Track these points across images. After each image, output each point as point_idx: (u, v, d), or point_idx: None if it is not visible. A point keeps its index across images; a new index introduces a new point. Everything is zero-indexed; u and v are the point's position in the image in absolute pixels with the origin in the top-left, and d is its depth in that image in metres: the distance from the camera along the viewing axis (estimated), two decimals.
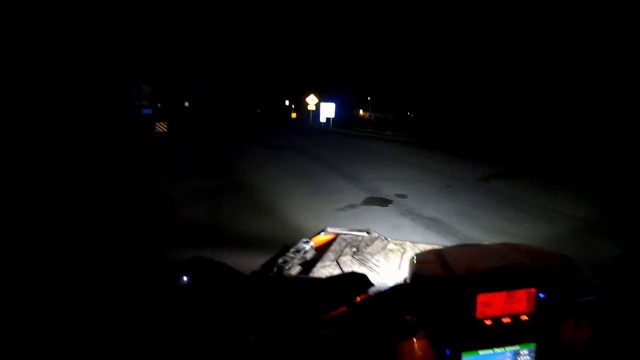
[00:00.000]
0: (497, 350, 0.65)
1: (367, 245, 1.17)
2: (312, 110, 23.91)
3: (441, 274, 0.66)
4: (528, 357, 0.66)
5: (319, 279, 0.88)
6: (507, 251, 0.75)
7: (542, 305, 0.65)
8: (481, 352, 0.65)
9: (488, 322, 0.64)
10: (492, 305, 0.64)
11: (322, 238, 1.28)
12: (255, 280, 0.79)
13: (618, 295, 0.71)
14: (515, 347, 0.66)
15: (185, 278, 0.64)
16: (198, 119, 28.17)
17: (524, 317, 0.65)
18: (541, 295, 0.65)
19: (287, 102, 33.70)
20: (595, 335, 0.69)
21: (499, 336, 0.65)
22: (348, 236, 1.24)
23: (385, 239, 1.25)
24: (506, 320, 0.65)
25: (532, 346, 0.66)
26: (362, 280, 0.70)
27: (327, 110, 22.89)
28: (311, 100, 24.11)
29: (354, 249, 1.15)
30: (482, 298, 0.63)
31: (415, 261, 0.71)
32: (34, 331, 0.60)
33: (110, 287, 0.70)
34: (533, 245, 0.81)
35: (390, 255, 1.11)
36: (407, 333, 0.66)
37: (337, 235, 1.25)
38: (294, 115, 30.35)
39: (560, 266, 0.71)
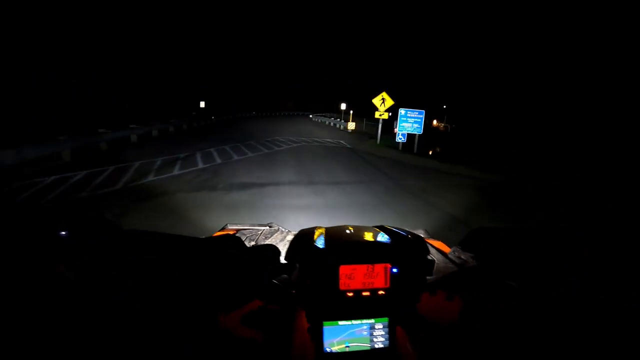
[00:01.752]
0: (355, 322, 0.70)
1: (267, 237, 1.19)
2: (383, 118, 14.16)
3: (311, 251, 0.72)
4: (382, 331, 0.71)
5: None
6: (374, 231, 0.81)
7: (396, 281, 0.71)
8: (340, 323, 0.70)
9: (350, 294, 0.70)
10: (354, 278, 0.70)
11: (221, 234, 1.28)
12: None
13: (471, 271, 0.76)
14: (371, 320, 0.71)
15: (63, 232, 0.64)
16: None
17: (381, 292, 0.71)
18: (395, 270, 0.71)
19: (343, 106, 24.40)
20: (466, 310, 0.74)
21: (358, 309, 0.71)
22: (248, 231, 1.25)
23: (286, 230, 1.29)
24: (366, 294, 0.71)
25: (385, 320, 0.71)
26: (274, 251, 0.74)
27: (410, 122, 13.34)
28: (380, 103, 13.86)
29: (252, 243, 1.15)
30: (344, 270, 0.70)
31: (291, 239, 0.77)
32: (36, 332, 0.56)
33: (113, 286, 0.63)
34: (401, 228, 0.84)
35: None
36: (290, 305, 0.71)
37: (237, 230, 1.25)
38: (351, 125, 21.15)
39: (414, 246, 0.76)
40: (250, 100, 48.40)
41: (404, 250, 0.74)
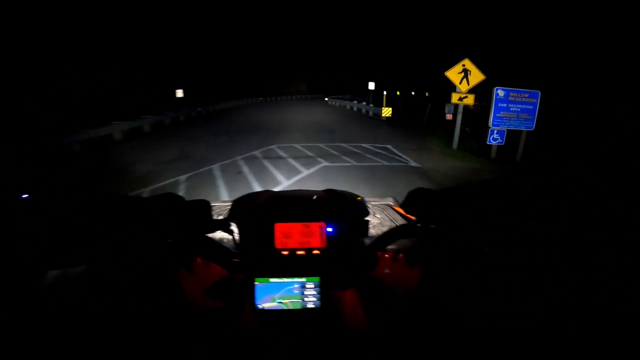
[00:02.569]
0: (287, 280, 0.71)
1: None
2: (469, 105, 8.08)
3: (249, 208, 0.75)
4: (313, 291, 0.71)
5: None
6: (316, 192, 0.81)
7: (332, 242, 0.72)
8: (272, 280, 0.70)
9: (285, 252, 0.72)
10: (290, 236, 0.71)
11: None
12: None
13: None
14: (303, 279, 0.71)
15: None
16: None
17: (317, 252, 0.72)
18: (330, 229, 0.72)
19: (371, 85, 18.55)
20: (425, 277, 0.73)
21: (291, 267, 0.71)
22: (217, 206, 1.24)
23: None
24: (301, 253, 0.72)
25: (317, 280, 0.71)
26: (204, 205, 0.74)
27: (513, 110, 7.72)
28: (461, 78, 7.59)
29: (220, 217, 1.16)
30: (280, 228, 0.71)
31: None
32: (34, 331, 0.58)
33: (110, 286, 0.67)
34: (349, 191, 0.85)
35: None
36: (230, 267, 0.72)
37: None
38: (387, 110, 15.26)
39: (350, 205, 0.77)
40: (257, 83, 43.63)
41: (339, 209, 0.75)
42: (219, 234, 0.81)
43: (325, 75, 55.48)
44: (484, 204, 0.71)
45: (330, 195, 0.81)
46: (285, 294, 0.71)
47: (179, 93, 16.57)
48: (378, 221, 1.08)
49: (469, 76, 7.45)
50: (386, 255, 0.76)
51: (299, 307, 0.71)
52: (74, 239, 0.61)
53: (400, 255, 0.75)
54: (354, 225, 0.75)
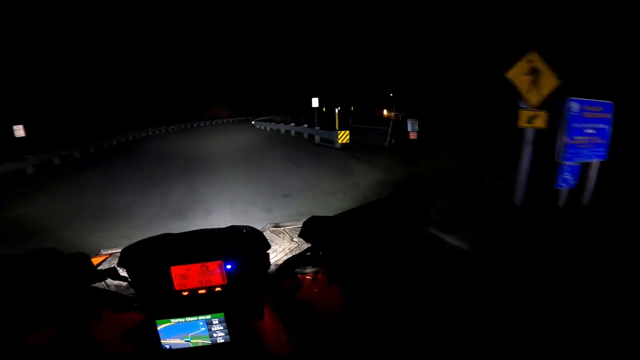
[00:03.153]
0: (189, 319, 0.71)
1: None
2: (535, 127, 4.49)
3: (140, 254, 0.74)
4: (220, 326, 0.72)
5: None
6: (213, 230, 0.80)
7: (233, 277, 0.72)
8: (173, 321, 0.71)
9: (185, 293, 0.71)
10: (189, 277, 0.71)
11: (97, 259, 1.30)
12: None
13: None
14: (207, 317, 0.72)
15: None
16: None
17: (218, 289, 0.72)
18: (229, 266, 0.72)
19: (315, 102, 15.25)
20: (348, 298, 0.74)
21: (193, 306, 0.71)
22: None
23: None
24: (202, 292, 0.72)
25: (221, 315, 0.72)
26: (83, 257, 0.74)
27: (588, 129, 4.99)
28: (530, 81, 4.09)
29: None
30: (176, 270, 0.71)
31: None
32: None
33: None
34: (275, 225, 1.03)
35: None
36: (125, 308, 0.73)
37: (111, 254, 1.28)
38: (344, 136, 11.66)
39: (246, 240, 0.77)
40: (166, 108, 36.63)
41: (236, 246, 0.75)
42: (116, 282, 0.84)
43: (248, 96, 51.04)
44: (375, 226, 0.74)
45: (231, 231, 0.79)
46: (192, 332, 0.71)
47: (19, 131, 10.32)
48: (295, 245, 1.14)
49: (540, 79, 4.24)
50: (307, 277, 0.84)
51: (208, 343, 0.72)
52: None
53: (320, 275, 0.82)
54: (253, 259, 0.75)
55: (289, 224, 1.37)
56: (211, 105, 47.77)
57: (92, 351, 0.69)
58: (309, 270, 0.84)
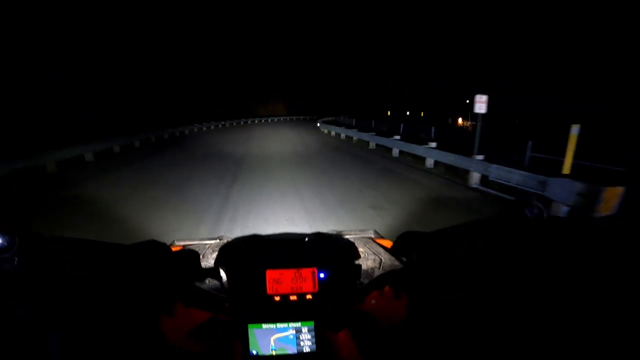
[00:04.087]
0: (280, 325, 0.71)
1: (214, 250, 1.10)
2: None
3: (238, 255, 0.74)
4: (308, 335, 0.71)
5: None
6: (306, 236, 0.78)
7: (324, 285, 0.72)
8: (264, 326, 0.71)
9: (277, 298, 0.71)
10: (282, 282, 0.72)
11: None
12: None
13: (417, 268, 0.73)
14: (297, 324, 0.72)
15: None
16: None
17: (309, 297, 0.72)
18: (322, 275, 0.72)
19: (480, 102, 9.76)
20: (412, 308, 0.73)
21: (284, 312, 0.72)
22: (195, 245, 1.17)
23: None
24: (293, 298, 0.72)
25: (311, 324, 0.71)
26: (193, 255, 0.75)
27: None
28: None
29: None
30: (271, 274, 0.71)
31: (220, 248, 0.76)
32: None
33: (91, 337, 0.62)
34: (338, 233, 0.99)
35: None
36: (220, 310, 0.73)
37: (184, 246, 1.17)
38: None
39: (341, 250, 0.76)
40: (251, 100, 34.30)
41: (330, 255, 0.75)
42: (207, 280, 0.83)
43: (304, 94, 47.29)
44: (476, 246, 0.69)
45: (320, 238, 0.79)
46: (279, 339, 0.71)
47: None
48: (361, 254, 1.01)
49: None
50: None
51: (294, 352, 0.71)
52: (56, 288, 0.59)
53: (387, 288, 0.78)
54: (346, 269, 0.74)
55: (352, 232, 1.29)
56: (266, 101, 44.85)
57: (161, 347, 0.67)
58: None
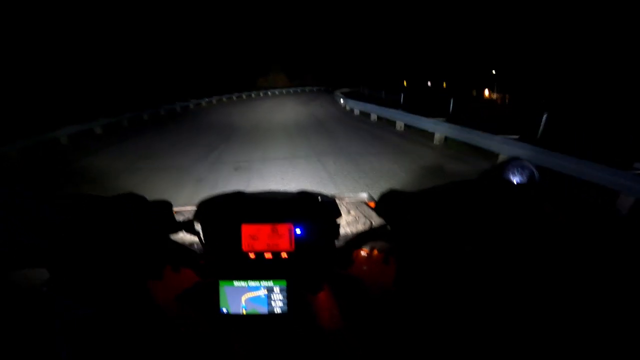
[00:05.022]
0: (252, 283, 0.69)
1: None
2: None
3: (215, 209, 0.72)
4: (280, 295, 0.69)
5: None
6: (286, 193, 0.77)
7: (301, 244, 0.69)
8: (236, 283, 0.68)
9: (252, 255, 0.69)
10: (258, 239, 0.69)
11: None
12: None
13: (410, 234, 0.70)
14: (269, 283, 0.69)
15: None
16: None
17: (285, 255, 0.70)
18: (299, 231, 0.69)
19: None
20: (401, 273, 0.71)
21: (258, 270, 0.69)
22: (187, 211, 1.16)
23: None
24: (268, 256, 0.70)
25: (284, 283, 0.69)
26: (165, 206, 0.72)
27: None
28: None
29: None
30: (247, 229, 0.69)
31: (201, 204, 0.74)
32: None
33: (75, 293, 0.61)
34: (332, 195, 0.83)
35: None
36: (194, 266, 0.71)
37: (177, 212, 1.17)
38: None
39: (320, 206, 0.73)
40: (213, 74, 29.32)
41: (308, 211, 0.72)
42: (187, 238, 0.85)
43: (306, 64, 41.44)
44: (462, 206, 0.67)
45: (302, 196, 0.76)
46: (251, 299, 0.69)
47: None
48: (352, 218, 1.05)
49: None
50: (362, 253, 0.82)
51: (264, 312, 0.69)
52: (39, 238, 0.58)
53: (376, 252, 0.81)
54: (324, 226, 0.72)
55: (347, 196, 1.28)
56: (267, 73, 39.21)
57: (150, 310, 0.67)
58: (364, 246, 0.76)
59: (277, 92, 32.14)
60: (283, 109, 16.43)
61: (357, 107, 13.61)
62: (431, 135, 8.20)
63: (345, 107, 15.66)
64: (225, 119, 13.19)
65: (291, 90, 33.67)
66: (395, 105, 12.47)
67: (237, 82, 30.39)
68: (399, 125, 9.94)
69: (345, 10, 43.51)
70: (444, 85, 44.07)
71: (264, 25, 39.77)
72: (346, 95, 17.51)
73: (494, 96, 41.37)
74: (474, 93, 42.18)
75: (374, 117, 11.97)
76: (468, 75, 42.95)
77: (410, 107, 11.22)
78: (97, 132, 10.64)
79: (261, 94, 30.30)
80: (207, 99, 21.41)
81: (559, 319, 0.65)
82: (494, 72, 43.07)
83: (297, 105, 18.78)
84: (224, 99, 23.99)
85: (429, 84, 43.52)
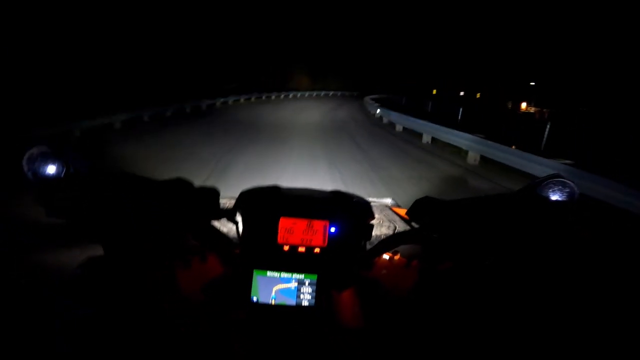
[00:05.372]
0: (284, 275, 0.71)
1: None
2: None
3: (255, 200, 0.73)
4: (309, 288, 0.71)
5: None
6: (323, 191, 0.78)
7: (333, 241, 0.71)
8: (269, 273, 0.71)
9: (286, 248, 0.71)
10: (293, 232, 0.70)
11: None
12: None
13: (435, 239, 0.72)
14: (300, 276, 0.71)
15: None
16: None
17: (317, 250, 0.71)
18: (333, 229, 0.71)
19: None
20: (424, 278, 0.74)
21: (291, 262, 0.71)
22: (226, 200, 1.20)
23: None
24: (301, 250, 0.71)
25: (314, 277, 0.71)
26: (213, 192, 0.74)
27: None
28: None
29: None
30: (283, 222, 0.70)
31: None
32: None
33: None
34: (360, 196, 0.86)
35: None
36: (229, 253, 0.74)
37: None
38: None
39: (355, 207, 0.75)
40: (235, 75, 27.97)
41: (344, 211, 0.73)
42: (222, 227, 0.86)
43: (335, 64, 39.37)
44: (495, 219, 0.69)
45: (337, 195, 0.77)
46: (281, 290, 0.71)
47: None
48: (377, 221, 1.03)
49: None
50: (384, 256, 0.81)
51: (292, 304, 0.71)
52: (86, 216, 0.61)
53: (398, 256, 0.80)
54: (358, 227, 0.74)
55: (370, 199, 1.18)
56: (292, 73, 37.43)
57: (177, 298, 0.69)
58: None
59: (314, 94, 30.38)
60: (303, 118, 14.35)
61: (385, 113, 11.16)
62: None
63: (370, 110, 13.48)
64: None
65: (314, 94, 31.74)
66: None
67: (265, 83, 28.83)
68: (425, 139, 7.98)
69: (376, 12, 41.42)
70: (477, 95, 41.10)
71: (288, 24, 38.10)
72: (381, 107, 14.13)
73: (532, 109, 38.25)
74: (510, 105, 39.02)
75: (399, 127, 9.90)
76: (504, 86, 39.93)
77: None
78: (144, 119, 11.38)
79: (298, 95, 28.78)
80: (222, 99, 19.88)
81: (571, 334, 0.68)
82: (532, 83, 39.89)
83: (324, 101, 16.68)
84: (242, 100, 22.21)
85: (462, 93, 40.64)
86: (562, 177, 0.66)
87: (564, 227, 0.64)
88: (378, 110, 13.74)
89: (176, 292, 0.69)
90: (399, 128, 11.14)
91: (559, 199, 0.66)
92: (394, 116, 11.77)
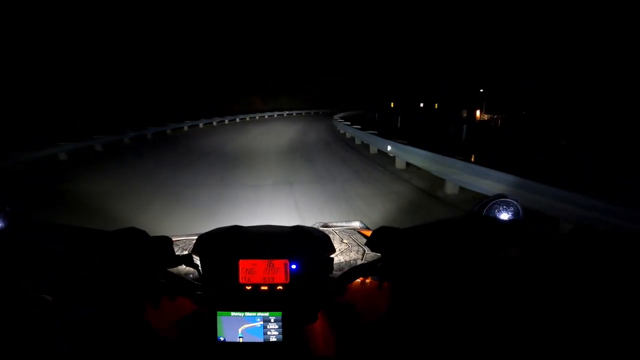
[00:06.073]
0: (249, 314, 0.71)
1: None
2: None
3: (213, 245, 0.75)
4: (275, 324, 0.71)
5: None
6: (283, 229, 0.81)
7: (296, 277, 0.72)
8: (233, 314, 0.71)
9: (248, 287, 0.71)
10: (254, 272, 0.72)
11: None
12: None
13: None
14: (265, 314, 0.71)
15: None
16: None
17: (280, 287, 0.72)
18: (294, 266, 0.72)
19: None
20: (395, 301, 0.76)
21: (254, 302, 0.71)
22: (181, 241, 1.21)
23: None
24: (264, 288, 0.72)
25: (279, 314, 0.71)
26: (166, 241, 0.74)
27: None
28: None
29: (185, 252, 1.11)
30: (244, 264, 0.71)
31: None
32: None
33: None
34: (325, 224, 0.94)
35: None
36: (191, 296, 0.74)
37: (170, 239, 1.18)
38: None
39: (314, 243, 0.76)
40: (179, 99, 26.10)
41: (303, 247, 0.75)
42: (183, 268, 0.84)
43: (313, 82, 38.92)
44: (448, 243, 0.71)
45: (297, 231, 0.80)
46: (247, 329, 0.71)
47: None
48: (345, 247, 1.07)
49: None
50: (356, 280, 0.80)
51: (261, 340, 0.71)
52: (36, 270, 0.59)
53: (369, 279, 0.81)
54: (318, 262, 0.75)
55: (338, 224, 1.33)
56: (239, 97, 35.61)
57: (147, 336, 0.69)
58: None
59: (285, 114, 29.06)
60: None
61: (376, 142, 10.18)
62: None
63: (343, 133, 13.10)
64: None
65: (265, 116, 29.45)
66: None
67: (207, 106, 26.70)
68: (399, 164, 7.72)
69: (329, 22, 42.14)
70: (436, 106, 42.82)
71: (240, 42, 37.15)
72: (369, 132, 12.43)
73: (485, 117, 40.31)
74: (464, 114, 40.87)
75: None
76: (457, 95, 41.95)
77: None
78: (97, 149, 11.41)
79: (266, 116, 27.35)
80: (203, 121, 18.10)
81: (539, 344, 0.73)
82: (481, 90, 42.14)
83: (288, 124, 15.55)
84: (227, 121, 20.41)
85: (421, 105, 42.08)
86: (506, 197, 0.70)
87: (513, 244, 0.68)
88: (363, 136, 13.01)
89: (146, 332, 0.69)
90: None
91: (506, 218, 0.70)
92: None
